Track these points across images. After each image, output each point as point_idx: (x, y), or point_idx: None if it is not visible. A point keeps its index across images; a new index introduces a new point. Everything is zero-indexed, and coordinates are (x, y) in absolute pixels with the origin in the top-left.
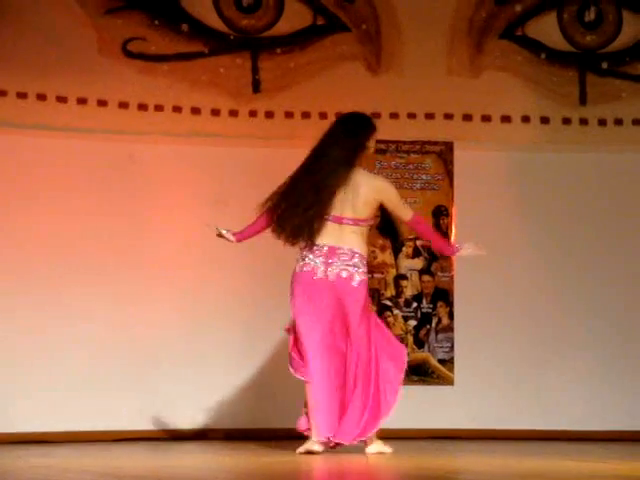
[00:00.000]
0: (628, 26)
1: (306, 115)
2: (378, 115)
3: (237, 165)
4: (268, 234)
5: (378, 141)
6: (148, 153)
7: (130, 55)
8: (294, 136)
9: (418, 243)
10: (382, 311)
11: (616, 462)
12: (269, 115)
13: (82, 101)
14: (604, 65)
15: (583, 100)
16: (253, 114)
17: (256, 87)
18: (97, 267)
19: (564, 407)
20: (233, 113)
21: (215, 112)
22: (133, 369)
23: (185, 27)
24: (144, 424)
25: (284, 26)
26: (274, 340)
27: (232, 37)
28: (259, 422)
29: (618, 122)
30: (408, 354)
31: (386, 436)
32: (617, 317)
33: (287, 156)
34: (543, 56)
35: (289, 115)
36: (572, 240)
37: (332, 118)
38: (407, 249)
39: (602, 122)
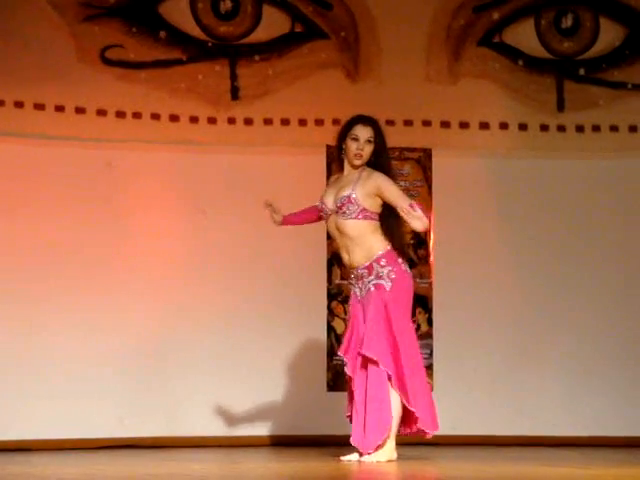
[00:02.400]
0: (605, 33)
1: (285, 122)
2: None
3: (216, 172)
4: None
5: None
6: (126, 161)
7: (108, 62)
8: (273, 143)
9: None
10: None
11: (594, 468)
12: (248, 122)
13: (60, 108)
14: (581, 72)
15: (561, 107)
16: (232, 121)
17: (234, 94)
18: (74, 275)
19: (544, 413)
20: (212, 120)
21: (194, 119)
22: (113, 377)
23: (163, 34)
24: (124, 432)
25: (262, 33)
26: (254, 350)
27: (210, 44)
28: (235, 430)
29: (595, 128)
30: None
31: None
32: (597, 323)
33: (266, 163)
34: (521, 63)
35: (268, 122)
36: (550, 246)
37: (311, 125)
38: None
39: (580, 128)
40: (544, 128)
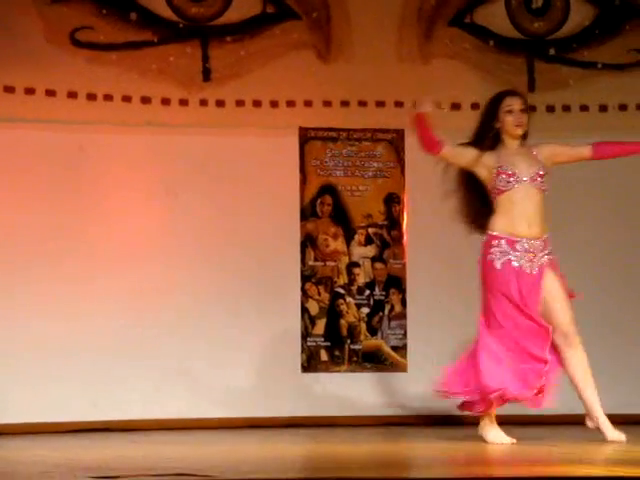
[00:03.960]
0: (575, 13)
1: (257, 103)
2: (329, 103)
3: (188, 154)
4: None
5: (328, 129)
6: (98, 143)
7: (78, 44)
8: (245, 124)
9: (370, 231)
10: (335, 299)
11: (564, 445)
12: (220, 104)
13: (30, 91)
14: (552, 52)
15: (531, 87)
16: (204, 103)
17: (206, 76)
18: (45, 259)
19: None
20: (183, 102)
21: (165, 101)
22: (86, 360)
23: (134, 16)
24: (98, 415)
25: (234, 14)
26: (227, 331)
27: (181, 25)
28: (209, 412)
29: (566, 108)
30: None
31: (341, 423)
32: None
33: (238, 145)
34: (491, 43)
35: (240, 103)
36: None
37: (283, 106)
38: (359, 237)
39: (550, 109)
40: None
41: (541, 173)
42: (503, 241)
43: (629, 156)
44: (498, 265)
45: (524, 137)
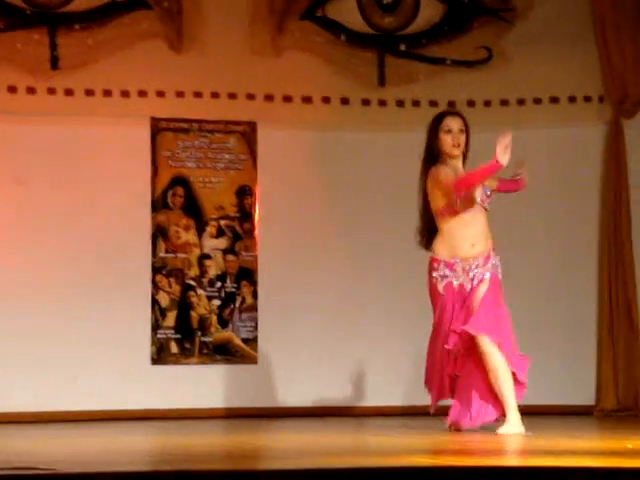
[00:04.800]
0: (425, 9)
1: (107, 93)
2: (181, 94)
3: (36, 143)
4: None
5: (181, 120)
6: None
7: None
8: (95, 114)
9: (222, 223)
10: (186, 291)
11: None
12: (68, 92)
13: None
14: (402, 47)
15: (382, 81)
16: (52, 91)
17: (54, 64)
18: None
19: (367, 382)
20: (31, 90)
21: (12, 89)
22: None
23: None
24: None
25: (83, 2)
26: (77, 323)
27: (29, 12)
28: (59, 405)
29: (415, 103)
30: None
31: (192, 415)
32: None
33: (88, 134)
34: (343, 37)
35: (89, 93)
36: (373, 215)
37: (134, 96)
38: (211, 229)
39: (400, 103)
40: (366, 102)
41: (488, 193)
42: (442, 264)
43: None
44: (440, 289)
45: (464, 157)
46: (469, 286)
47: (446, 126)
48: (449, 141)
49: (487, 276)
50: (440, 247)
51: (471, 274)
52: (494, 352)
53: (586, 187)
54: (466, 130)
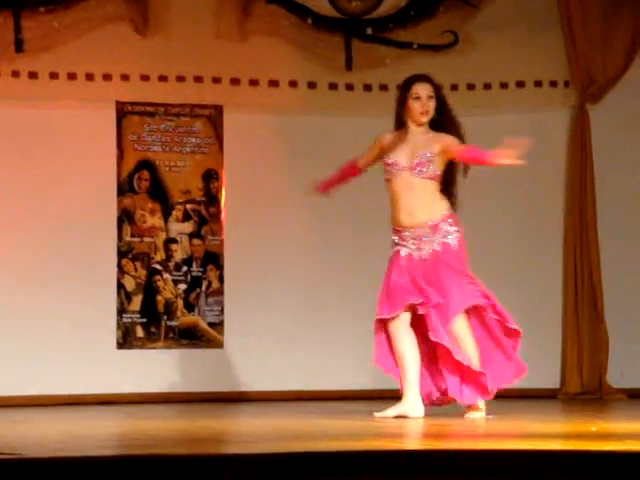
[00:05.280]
0: None
1: (72, 76)
2: (147, 78)
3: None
4: None
5: (146, 104)
6: None
7: None
8: (59, 97)
9: (188, 207)
10: (152, 275)
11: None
12: (33, 76)
13: None
14: (369, 31)
15: (349, 66)
16: (16, 74)
17: (19, 47)
18: None
19: (333, 368)
20: None
21: None
22: None
23: None
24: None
25: None
26: (43, 307)
27: None
28: (24, 389)
29: (383, 87)
30: None
31: (157, 400)
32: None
33: (53, 118)
34: (310, 21)
35: (54, 76)
36: (340, 199)
37: (99, 80)
38: (177, 213)
39: (367, 87)
40: (333, 86)
41: (422, 161)
42: (394, 232)
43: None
44: (391, 253)
45: (432, 124)
46: (423, 256)
47: (415, 93)
48: (417, 108)
49: (437, 247)
50: (391, 214)
51: (418, 244)
52: (464, 336)
53: (551, 172)
54: (437, 94)
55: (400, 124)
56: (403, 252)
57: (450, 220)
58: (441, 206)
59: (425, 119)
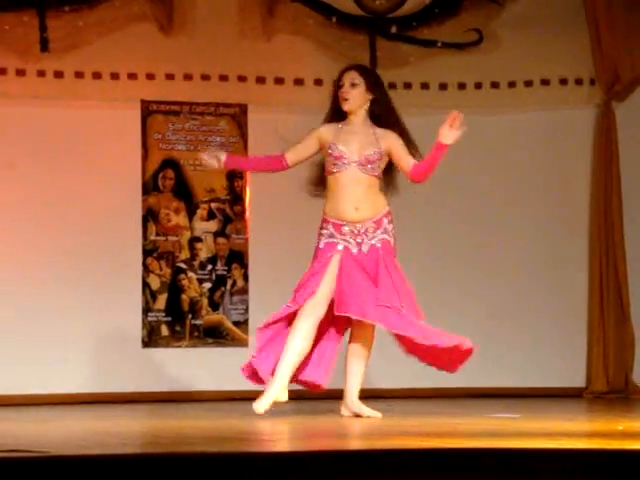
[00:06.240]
0: None
1: (97, 76)
2: (172, 76)
3: (26, 126)
4: None
5: (171, 103)
6: None
7: None
8: (85, 97)
9: (213, 205)
10: (177, 274)
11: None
12: (58, 75)
13: None
14: (393, 30)
15: (373, 64)
16: (41, 74)
17: (44, 46)
18: None
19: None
20: (20, 72)
21: (2, 71)
22: None
23: None
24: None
25: None
26: (69, 306)
27: None
28: (51, 388)
29: (407, 86)
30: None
31: (183, 398)
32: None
33: (79, 117)
34: (334, 20)
35: (79, 75)
36: None
37: (124, 79)
38: (202, 211)
39: (392, 85)
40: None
41: (373, 158)
42: (330, 225)
43: (438, 161)
44: (322, 245)
45: (374, 116)
46: (363, 250)
47: (340, 82)
48: (340, 95)
49: (378, 243)
50: (328, 206)
51: (359, 239)
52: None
53: (577, 170)
54: (369, 85)
55: (334, 115)
56: (340, 246)
57: (389, 217)
58: (383, 202)
59: (346, 107)
